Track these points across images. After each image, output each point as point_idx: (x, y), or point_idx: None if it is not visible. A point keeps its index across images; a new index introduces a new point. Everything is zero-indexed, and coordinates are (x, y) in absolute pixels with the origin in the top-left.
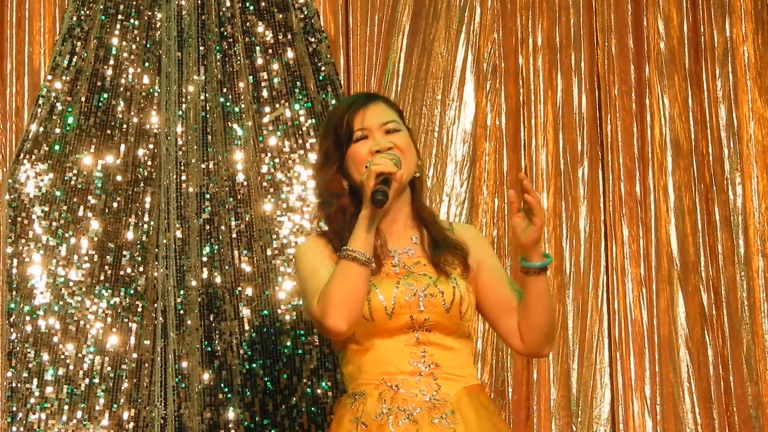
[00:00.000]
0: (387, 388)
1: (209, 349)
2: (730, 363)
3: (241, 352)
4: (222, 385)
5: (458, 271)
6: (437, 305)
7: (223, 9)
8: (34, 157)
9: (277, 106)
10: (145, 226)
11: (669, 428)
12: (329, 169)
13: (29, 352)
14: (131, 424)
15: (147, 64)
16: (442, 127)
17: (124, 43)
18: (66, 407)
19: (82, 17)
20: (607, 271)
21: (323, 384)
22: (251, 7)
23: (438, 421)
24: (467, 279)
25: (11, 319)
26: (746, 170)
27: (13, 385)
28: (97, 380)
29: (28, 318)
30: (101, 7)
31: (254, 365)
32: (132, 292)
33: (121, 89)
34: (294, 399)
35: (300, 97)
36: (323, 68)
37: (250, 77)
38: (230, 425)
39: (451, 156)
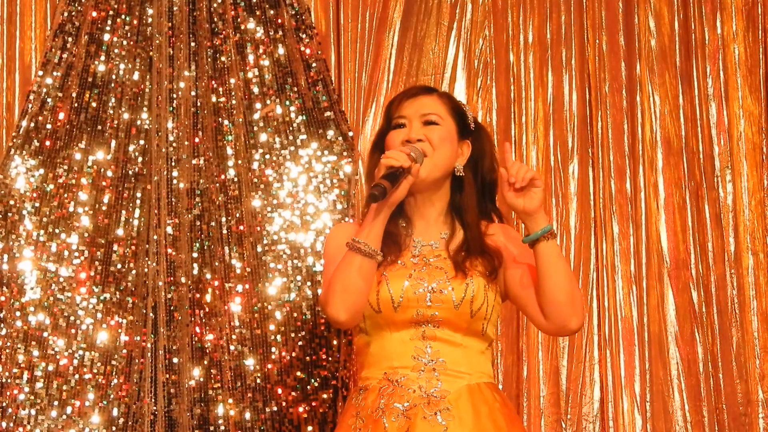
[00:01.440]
0: (388, 383)
1: (199, 345)
2: (719, 360)
3: (231, 348)
4: (212, 380)
5: (479, 270)
6: (446, 301)
7: (214, 5)
8: (24, 152)
9: (268, 102)
10: (136, 222)
11: (658, 426)
12: (375, 153)
13: (19, 348)
14: (121, 420)
15: (138, 60)
16: None
17: (115, 39)
18: (56, 403)
19: (73, 13)
20: (597, 269)
21: (313, 380)
22: (242, 3)
23: (431, 417)
24: (491, 281)
25: (1, 315)
26: (736, 168)
27: (3, 380)
28: (87, 376)
29: (18, 314)
30: (92, 2)
31: (244, 361)
32: (122, 287)
33: (112, 85)
34: (284, 395)
35: (290, 94)
36: (314, 65)
37: (241, 73)
38: (220, 421)
39: None
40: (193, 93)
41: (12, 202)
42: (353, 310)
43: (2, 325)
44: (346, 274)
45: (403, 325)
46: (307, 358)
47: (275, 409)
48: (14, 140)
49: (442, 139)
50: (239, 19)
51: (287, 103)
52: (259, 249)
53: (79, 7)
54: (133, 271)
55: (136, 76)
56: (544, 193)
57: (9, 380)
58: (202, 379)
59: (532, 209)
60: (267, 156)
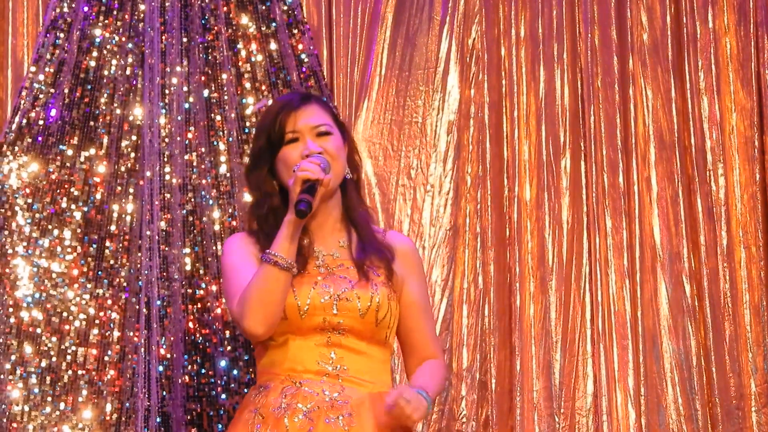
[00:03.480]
0: (291, 383)
1: (192, 340)
2: (712, 354)
3: (225, 343)
4: (205, 376)
5: (381, 278)
6: (352, 310)
7: (206, 1)
8: (17, 148)
9: (260, 97)
10: (129, 217)
11: (652, 419)
12: (260, 171)
13: (12, 344)
14: (114, 416)
15: (130, 56)
16: (425, 118)
17: (107, 34)
18: (49, 399)
19: (65, 9)
20: (590, 263)
21: None
22: None
23: (333, 421)
24: (391, 286)
25: None
26: (728, 161)
27: None
28: (80, 372)
29: (11, 309)
30: None
31: (237, 356)
32: (115, 283)
33: (104, 81)
34: None
35: (283, 89)
36: (306, 60)
37: (233, 69)
38: (213, 416)
39: (434, 147)
40: (185, 88)
41: (4, 199)
42: (270, 323)
43: None
44: (262, 287)
45: (308, 331)
46: None
47: None
48: (6, 136)
49: (338, 148)
50: (231, 15)
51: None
52: None
53: (71, 3)
54: (126, 267)
55: (128, 71)
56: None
57: (2, 376)
58: (195, 374)
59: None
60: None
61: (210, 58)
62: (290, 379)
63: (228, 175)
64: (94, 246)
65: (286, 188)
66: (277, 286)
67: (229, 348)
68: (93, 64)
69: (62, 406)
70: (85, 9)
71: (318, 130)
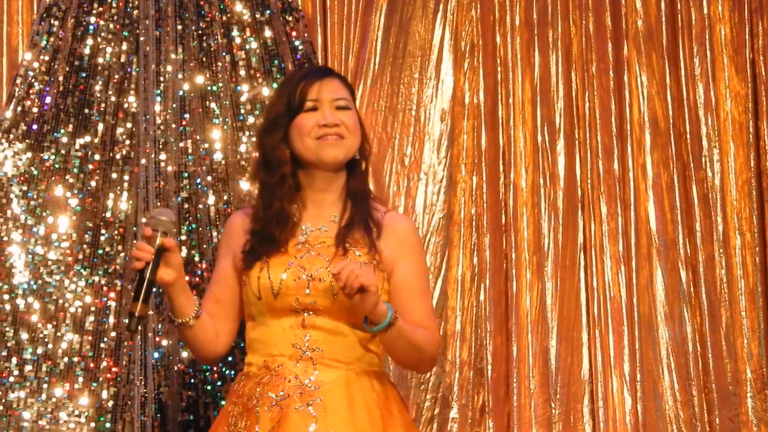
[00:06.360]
0: (266, 371)
1: None
2: (708, 340)
3: None
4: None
5: (362, 258)
6: (325, 290)
7: None
8: (11, 136)
9: (255, 84)
10: (124, 205)
11: (648, 405)
12: (275, 136)
13: (8, 331)
14: (111, 403)
15: (125, 43)
16: (419, 105)
17: (101, 22)
18: (45, 386)
19: None
20: (586, 249)
21: None
22: None
23: (302, 408)
24: (374, 264)
25: None
26: (723, 148)
27: None
28: (76, 359)
29: (6, 297)
30: None
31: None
32: (111, 270)
33: (99, 68)
34: None
35: (278, 76)
36: (300, 47)
37: (228, 56)
38: (209, 403)
39: (428, 134)
40: (180, 76)
41: (0, 186)
42: (208, 361)
43: None
44: (185, 343)
45: (283, 312)
46: None
47: None
48: (1, 124)
49: (355, 123)
50: (225, 2)
51: (274, 85)
52: None
53: None
54: (122, 254)
55: (122, 59)
56: (377, 296)
57: None
58: (191, 362)
59: (366, 311)
60: (254, 138)
61: (204, 45)
62: (266, 365)
63: (223, 162)
64: (90, 233)
65: (297, 155)
66: (188, 339)
67: None
68: (88, 51)
69: (58, 393)
70: None
71: (338, 103)
